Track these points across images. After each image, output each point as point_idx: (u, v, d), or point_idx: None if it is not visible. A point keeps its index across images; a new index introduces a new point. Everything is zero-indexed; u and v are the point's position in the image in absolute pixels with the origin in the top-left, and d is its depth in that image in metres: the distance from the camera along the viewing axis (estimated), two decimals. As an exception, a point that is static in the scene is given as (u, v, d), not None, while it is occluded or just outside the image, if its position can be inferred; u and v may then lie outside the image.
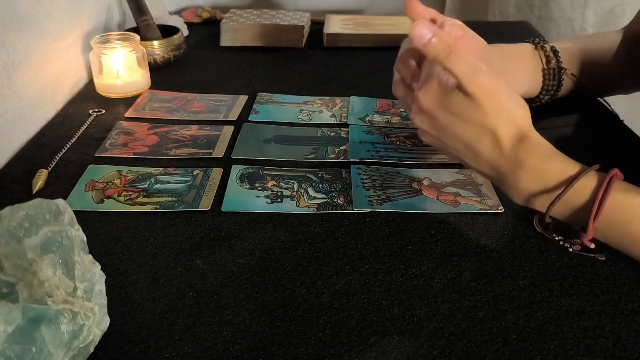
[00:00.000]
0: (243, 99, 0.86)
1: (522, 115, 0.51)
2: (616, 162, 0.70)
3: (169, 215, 0.60)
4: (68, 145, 0.72)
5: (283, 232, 0.58)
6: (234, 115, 0.81)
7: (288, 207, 0.61)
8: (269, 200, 0.62)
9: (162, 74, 0.93)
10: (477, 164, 0.54)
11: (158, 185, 0.65)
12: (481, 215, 0.60)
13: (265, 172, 0.67)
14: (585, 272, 0.52)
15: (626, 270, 0.52)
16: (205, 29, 1.16)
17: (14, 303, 0.39)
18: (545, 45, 0.74)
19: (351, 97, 0.86)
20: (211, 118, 0.80)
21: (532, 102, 0.77)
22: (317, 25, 1.16)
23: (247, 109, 0.83)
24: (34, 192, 0.63)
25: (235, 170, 0.67)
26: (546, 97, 0.76)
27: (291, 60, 1.03)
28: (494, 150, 0.51)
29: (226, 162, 0.69)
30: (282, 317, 0.48)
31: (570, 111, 0.80)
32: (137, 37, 0.88)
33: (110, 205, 0.61)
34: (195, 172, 0.67)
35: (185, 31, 1.10)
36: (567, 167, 0.50)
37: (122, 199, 0.62)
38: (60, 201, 0.44)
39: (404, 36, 1.13)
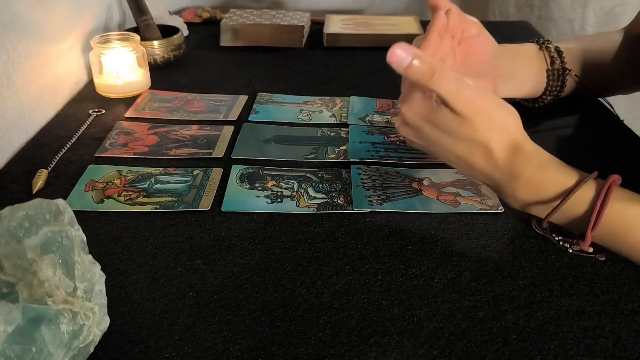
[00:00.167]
0: (243, 99, 0.86)
1: (515, 125, 0.49)
2: (616, 162, 0.70)
3: (169, 215, 0.60)
4: (68, 145, 0.72)
5: (283, 232, 0.58)
6: (234, 115, 0.81)
7: (288, 207, 0.61)
8: (269, 200, 0.62)
9: (162, 74, 0.93)
10: (471, 173, 0.53)
11: (158, 185, 0.65)
12: (481, 215, 0.60)
13: (265, 172, 0.67)
14: (585, 272, 0.52)
15: (626, 270, 0.52)
16: (205, 29, 1.16)
17: (14, 303, 0.39)
18: (550, 45, 0.74)
19: (351, 97, 0.86)
20: (211, 118, 0.80)
21: (534, 103, 0.77)
22: (317, 25, 1.16)
23: (247, 109, 0.83)
24: (34, 192, 0.63)
25: (235, 170, 0.67)
26: (549, 98, 0.76)
27: (291, 60, 1.03)
28: (488, 163, 0.49)
29: (226, 162, 0.69)
30: (282, 317, 0.48)
31: (570, 111, 0.80)
32: (137, 37, 0.88)
33: (110, 205, 0.61)
34: (195, 172, 0.67)
35: (185, 31, 1.10)
36: (564, 177, 0.49)
37: (122, 199, 0.62)
38: (60, 201, 0.44)
39: (403, 36, 1.13)
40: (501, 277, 0.52)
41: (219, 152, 0.71)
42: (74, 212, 0.45)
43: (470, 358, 0.44)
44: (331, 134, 0.76)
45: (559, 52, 0.73)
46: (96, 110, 0.81)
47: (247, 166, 0.68)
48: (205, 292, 0.50)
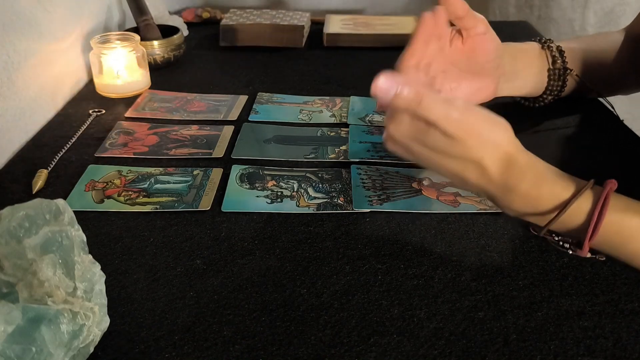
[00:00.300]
0: (243, 99, 0.86)
1: (507, 139, 0.47)
2: (616, 162, 0.70)
3: (169, 215, 0.60)
4: (68, 145, 0.72)
5: (283, 232, 0.58)
6: (234, 115, 0.81)
7: (288, 207, 0.61)
8: (269, 200, 0.62)
9: (162, 74, 0.93)
10: (465, 187, 0.51)
11: (158, 185, 0.65)
12: (481, 215, 0.60)
13: (265, 172, 0.67)
14: (585, 272, 0.52)
15: (626, 270, 0.52)
16: (205, 29, 1.16)
17: (14, 303, 0.39)
18: (552, 45, 0.73)
19: (351, 97, 0.86)
20: (211, 118, 0.80)
21: (535, 102, 0.77)
22: (317, 25, 1.16)
23: (247, 109, 0.83)
24: (34, 192, 0.63)
25: (235, 170, 0.67)
26: (549, 97, 0.76)
27: (291, 60, 1.03)
28: (482, 179, 0.48)
29: (226, 162, 0.69)
30: (282, 317, 0.48)
31: (570, 111, 0.80)
32: (137, 37, 0.88)
33: (110, 205, 0.61)
34: (195, 172, 0.67)
35: (185, 31, 1.10)
36: (559, 189, 0.47)
37: (122, 199, 0.62)
38: (60, 201, 0.44)
39: (403, 36, 1.13)
40: (501, 277, 0.52)
41: (219, 152, 0.71)
42: (74, 212, 0.45)
43: (470, 358, 0.44)
44: (331, 134, 0.76)
45: (561, 51, 0.73)
46: (96, 110, 0.81)
47: (247, 166, 0.68)
48: (205, 292, 0.50)
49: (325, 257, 0.54)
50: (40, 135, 0.76)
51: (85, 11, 0.93)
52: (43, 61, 0.80)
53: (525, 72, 0.72)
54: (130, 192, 0.63)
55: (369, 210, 0.61)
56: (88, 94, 0.87)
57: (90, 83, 0.89)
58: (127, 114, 0.81)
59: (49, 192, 0.64)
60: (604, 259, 0.53)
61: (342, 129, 0.77)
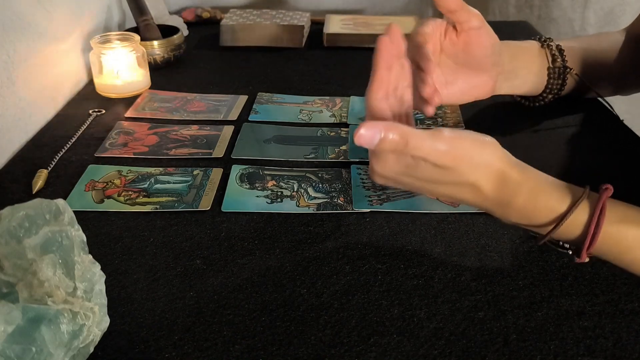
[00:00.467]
0: (243, 99, 0.86)
1: (498, 157, 0.47)
2: (616, 162, 0.70)
3: (169, 215, 0.60)
4: (68, 145, 0.72)
5: (283, 232, 0.58)
6: (234, 115, 0.81)
7: (288, 207, 0.61)
8: (269, 200, 0.62)
9: (162, 74, 0.93)
10: (461, 204, 0.51)
11: (158, 185, 0.65)
12: (481, 215, 0.60)
13: (265, 172, 0.67)
14: (585, 272, 0.52)
15: (626, 270, 0.52)
16: (205, 29, 1.16)
17: (14, 303, 0.39)
18: (551, 43, 0.73)
19: (351, 97, 0.86)
20: (211, 118, 0.80)
21: (535, 101, 0.77)
22: (317, 25, 1.16)
23: (247, 109, 0.83)
24: (34, 192, 0.63)
25: (235, 170, 0.67)
26: (549, 97, 0.75)
27: (291, 60, 1.03)
28: (477, 198, 0.47)
29: (226, 162, 0.69)
30: (282, 317, 0.48)
31: (570, 111, 0.80)
32: (137, 37, 0.88)
33: (110, 205, 0.61)
34: (195, 172, 0.67)
35: (185, 31, 1.10)
36: (554, 203, 0.47)
37: (122, 199, 0.62)
38: (60, 201, 0.44)
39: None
40: (501, 277, 0.52)
41: (219, 152, 0.71)
42: (74, 212, 0.45)
43: (470, 358, 0.44)
44: (331, 134, 0.76)
45: (560, 50, 0.73)
46: (96, 110, 0.81)
47: (247, 166, 0.68)
48: (205, 292, 0.50)
49: (325, 257, 0.54)
50: (40, 135, 0.76)
51: (85, 11, 0.93)
52: (43, 61, 0.80)
53: (524, 71, 0.72)
54: (130, 192, 0.63)
55: (369, 210, 0.61)
56: (88, 94, 0.87)
57: (90, 83, 0.89)
58: (127, 114, 0.81)
59: (49, 192, 0.64)
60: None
61: (342, 129, 0.77)
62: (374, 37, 1.22)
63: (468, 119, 0.80)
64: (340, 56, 1.04)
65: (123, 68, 0.86)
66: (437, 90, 0.52)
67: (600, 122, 0.79)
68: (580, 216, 0.46)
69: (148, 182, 0.65)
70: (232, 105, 0.84)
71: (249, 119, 0.80)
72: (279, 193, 0.63)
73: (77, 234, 0.44)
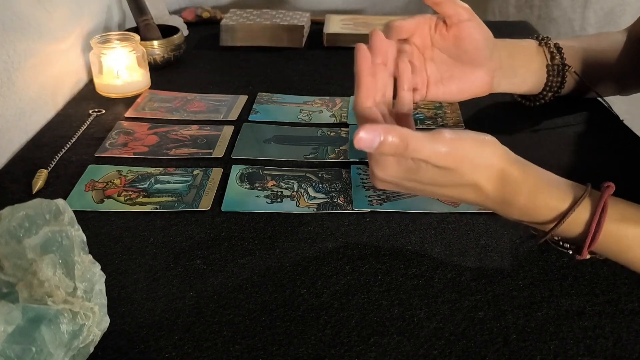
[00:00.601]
0: (243, 99, 0.86)
1: (499, 157, 0.47)
2: (616, 162, 0.70)
3: (169, 215, 0.60)
4: (68, 145, 0.72)
5: (283, 232, 0.58)
6: (234, 115, 0.81)
7: (288, 207, 0.61)
8: (269, 200, 0.62)
9: (162, 74, 0.93)
10: (463, 203, 0.52)
11: (158, 185, 0.65)
12: (481, 215, 0.60)
13: (265, 172, 0.67)
14: (585, 272, 0.52)
15: (626, 270, 0.52)
16: (205, 29, 1.16)
17: (14, 303, 0.39)
18: (549, 42, 0.74)
19: (351, 97, 0.86)
20: (211, 118, 0.80)
21: (535, 100, 0.77)
22: (317, 25, 1.16)
23: (247, 109, 0.83)
24: (34, 192, 0.63)
25: (235, 170, 0.67)
26: (549, 95, 0.75)
27: (291, 60, 1.03)
28: (479, 197, 0.47)
29: (226, 162, 0.69)
30: (282, 317, 0.48)
31: (570, 111, 0.80)
32: (137, 37, 0.88)
33: (110, 205, 0.61)
34: (195, 172, 0.67)
35: (185, 31, 1.10)
36: (555, 201, 0.47)
37: (122, 199, 0.62)
38: (60, 201, 0.44)
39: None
40: (501, 277, 0.52)
41: (219, 152, 0.71)
42: (74, 212, 0.45)
43: (470, 358, 0.44)
44: (331, 134, 0.76)
45: (558, 48, 0.73)
46: (96, 110, 0.81)
47: (247, 166, 0.68)
48: (205, 292, 0.50)
49: (325, 257, 0.54)
50: (40, 135, 0.76)
51: (85, 11, 0.93)
52: (43, 61, 0.80)
53: (523, 69, 0.72)
54: (130, 192, 0.63)
55: (369, 210, 0.61)
56: (88, 94, 0.87)
57: (90, 83, 0.89)
58: (127, 114, 0.81)
59: (49, 192, 0.64)
60: (604, 257, 0.53)
61: (342, 129, 0.77)
62: (374, 37, 1.20)
63: (468, 119, 0.80)
64: (340, 56, 1.04)
65: (123, 68, 0.86)
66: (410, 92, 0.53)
67: (600, 122, 0.79)
68: (582, 214, 0.46)
69: (148, 182, 0.65)
70: (232, 105, 0.84)
71: (249, 119, 0.80)
72: (279, 193, 0.63)
73: (77, 234, 0.44)
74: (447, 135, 0.44)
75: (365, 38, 1.16)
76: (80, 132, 0.75)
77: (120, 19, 1.08)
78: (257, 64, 1.00)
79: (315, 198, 0.63)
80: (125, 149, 0.72)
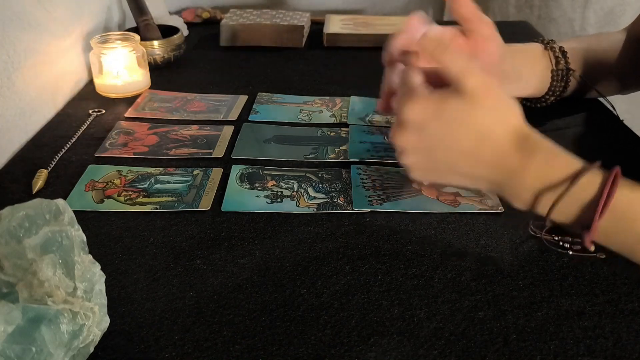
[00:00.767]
0: (243, 99, 0.86)
1: (520, 113, 0.49)
2: (616, 162, 0.70)
3: (169, 215, 0.60)
4: (68, 145, 0.72)
5: (283, 232, 0.58)
6: (234, 115, 0.81)
7: (288, 207, 0.61)
8: (269, 200, 0.62)
9: (162, 74, 0.93)
10: (475, 171, 0.50)
11: (158, 185, 0.65)
12: (481, 215, 0.60)
13: (265, 172, 0.67)
14: (585, 272, 0.52)
15: (626, 270, 0.52)
16: (205, 29, 1.16)
17: (14, 303, 0.39)
18: (554, 45, 0.73)
19: (351, 97, 0.86)
20: (211, 118, 0.80)
21: (537, 103, 0.77)
22: (317, 25, 1.16)
23: (247, 109, 0.83)
24: (34, 192, 0.63)
25: (235, 170, 0.67)
26: (552, 98, 0.75)
27: (291, 60, 1.03)
28: (497, 151, 0.48)
29: (226, 162, 0.69)
30: (282, 317, 0.48)
31: (570, 111, 0.80)
32: (137, 37, 0.88)
33: (110, 205, 0.61)
34: (195, 172, 0.67)
35: (185, 31, 1.10)
36: (572, 161, 0.48)
37: (122, 199, 0.62)
38: (60, 201, 0.44)
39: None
40: (501, 277, 0.52)
41: (219, 152, 0.71)
42: (74, 212, 0.45)
43: (470, 358, 0.44)
44: (331, 134, 0.76)
45: (563, 52, 0.73)
46: (96, 110, 0.81)
47: (247, 166, 0.68)
48: (205, 292, 0.50)
49: (325, 257, 0.54)
50: (40, 135, 0.76)
51: (85, 11, 0.93)
52: (43, 61, 0.80)
53: (528, 73, 0.72)
54: (130, 192, 0.63)
55: (369, 210, 0.61)
56: (88, 94, 0.87)
57: (91, 83, 0.89)
58: (127, 114, 0.81)
59: (49, 192, 0.64)
60: (604, 257, 0.53)
61: (342, 129, 0.77)
62: (374, 37, 1.22)
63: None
64: (340, 56, 1.04)
65: (123, 68, 0.86)
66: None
67: (600, 122, 0.79)
68: (596, 177, 0.47)
69: (148, 182, 0.65)
70: (232, 105, 0.84)
71: (249, 119, 0.80)
72: (279, 193, 0.63)
73: (77, 234, 0.44)
74: (480, 65, 0.46)
75: (365, 38, 1.16)
76: (80, 132, 0.75)
77: (120, 19, 1.08)
78: (257, 64, 1.00)
79: (315, 198, 0.63)
80: (125, 149, 0.72)
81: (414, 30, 0.46)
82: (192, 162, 0.70)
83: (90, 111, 0.81)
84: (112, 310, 0.46)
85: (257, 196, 0.63)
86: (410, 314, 0.48)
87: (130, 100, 0.84)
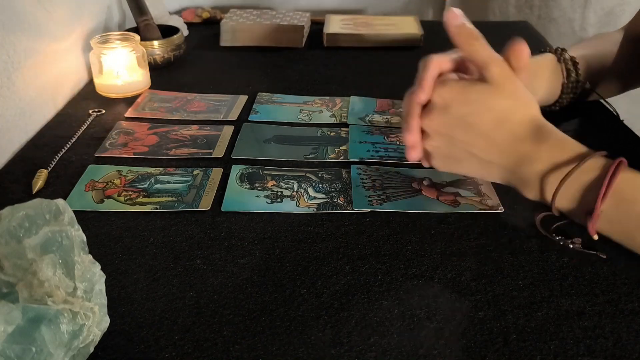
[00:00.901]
0: (243, 99, 0.86)
1: (537, 105, 0.54)
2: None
3: (169, 215, 0.60)
4: (68, 145, 0.72)
5: (283, 232, 0.58)
6: (234, 115, 0.81)
7: (288, 207, 0.61)
8: (269, 200, 0.62)
9: (162, 74, 0.93)
10: (488, 156, 0.53)
11: (158, 185, 0.65)
12: (481, 215, 0.60)
13: (265, 172, 0.67)
14: (585, 272, 0.52)
15: (626, 270, 0.52)
16: (205, 29, 1.16)
17: (14, 303, 0.39)
18: (566, 56, 0.73)
19: (351, 97, 0.86)
20: (211, 118, 0.80)
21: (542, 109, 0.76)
22: (317, 25, 1.16)
23: (247, 109, 0.83)
24: (34, 192, 0.63)
25: (235, 170, 0.67)
26: (557, 108, 0.76)
27: (291, 60, 1.03)
28: (512, 135, 0.52)
29: (226, 162, 0.69)
30: (282, 317, 0.48)
31: (570, 112, 0.80)
32: (137, 37, 0.88)
33: (110, 205, 0.61)
34: (195, 172, 0.67)
35: (185, 31, 1.10)
36: (579, 147, 0.52)
37: (122, 199, 0.62)
38: (60, 201, 0.44)
39: (403, 36, 1.13)
40: (501, 277, 0.52)
41: (219, 152, 0.71)
42: (74, 212, 0.45)
43: (470, 358, 0.44)
44: (331, 134, 0.76)
45: (575, 63, 0.73)
46: (96, 110, 0.81)
47: (247, 166, 0.68)
48: (205, 292, 0.50)
49: (325, 257, 0.54)
50: (40, 135, 0.76)
51: (85, 11, 0.93)
52: (43, 61, 0.80)
53: (541, 88, 0.71)
54: (130, 192, 0.63)
55: (369, 210, 0.61)
56: (88, 94, 0.87)
57: (91, 83, 0.89)
58: (127, 114, 0.81)
59: (49, 192, 0.64)
60: (605, 256, 0.53)
61: (342, 129, 0.77)
62: (374, 37, 1.22)
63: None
64: (340, 56, 1.05)
65: (123, 68, 0.86)
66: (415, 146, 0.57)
67: (600, 122, 0.79)
68: (600, 161, 0.50)
69: (148, 182, 0.65)
70: (232, 105, 0.84)
71: (249, 119, 0.80)
72: (279, 193, 0.63)
73: (77, 234, 0.44)
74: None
75: (365, 38, 1.16)
76: (80, 132, 0.75)
77: (120, 19, 1.09)
78: (257, 64, 1.00)
79: (315, 198, 0.63)
80: (125, 149, 0.72)
81: (455, 18, 0.53)
82: (192, 162, 0.70)
83: (90, 111, 0.81)
84: (112, 310, 0.46)
85: (257, 196, 0.63)
86: (410, 314, 0.48)
87: (130, 100, 0.84)
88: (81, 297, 0.42)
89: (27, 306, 0.39)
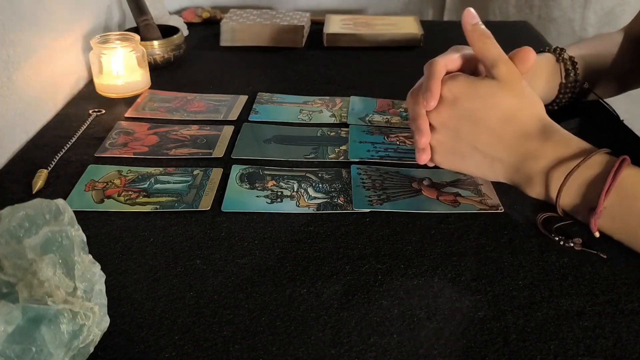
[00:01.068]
0: (243, 99, 0.86)
1: (542, 105, 0.55)
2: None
3: (169, 215, 0.60)
4: (68, 145, 0.72)
5: (283, 232, 0.58)
6: (234, 115, 0.81)
7: (288, 207, 0.61)
8: (269, 200, 0.62)
9: (162, 74, 0.93)
10: (494, 152, 0.54)
11: (158, 185, 0.65)
12: (481, 215, 0.60)
13: (265, 172, 0.67)
14: (585, 272, 0.52)
15: (626, 270, 0.52)
16: (205, 29, 1.16)
17: (14, 303, 0.39)
18: (565, 56, 0.73)
19: (351, 97, 0.86)
20: (211, 118, 0.80)
21: None
22: (317, 25, 1.16)
23: (247, 109, 0.83)
24: (34, 192, 0.63)
25: (235, 170, 0.67)
26: (555, 107, 0.76)
27: (291, 60, 1.03)
28: (519, 133, 0.53)
29: (226, 162, 0.69)
30: (282, 317, 0.48)
31: (570, 112, 0.80)
32: (137, 37, 0.88)
33: (110, 205, 0.61)
34: (195, 172, 0.67)
35: (185, 31, 1.10)
36: (583, 144, 0.53)
37: (122, 199, 0.62)
38: (60, 201, 0.44)
39: (403, 36, 1.13)
40: (501, 277, 0.52)
41: (219, 152, 0.71)
42: (74, 212, 0.45)
43: (470, 358, 0.44)
44: (331, 134, 0.76)
45: (574, 62, 0.73)
46: (96, 110, 0.81)
47: (247, 166, 0.68)
48: (205, 292, 0.50)
49: (325, 257, 0.54)
50: (40, 135, 0.76)
51: (85, 11, 0.93)
52: (43, 61, 0.80)
53: (539, 88, 0.71)
54: (130, 192, 0.63)
55: (369, 210, 0.61)
56: (88, 94, 0.87)
57: (90, 83, 0.89)
58: (127, 114, 0.81)
59: (49, 192, 0.64)
60: (606, 256, 0.53)
61: (342, 129, 0.77)
62: (374, 37, 1.22)
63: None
64: (340, 56, 1.05)
65: (123, 68, 0.86)
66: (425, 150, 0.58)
67: (600, 122, 0.79)
68: (603, 157, 0.51)
69: (148, 182, 0.65)
70: (232, 105, 0.84)
71: (249, 119, 0.80)
72: (279, 193, 0.63)
73: (77, 234, 0.44)
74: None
75: (365, 38, 1.16)
76: (80, 132, 0.75)
77: (120, 19, 1.09)
78: (257, 64, 1.00)
79: (315, 198, 0.63)
80: (125, 149, 0.72)
81: (471, 18, 0.55)
82: (192, 162, 0.70)
83: (90, 111, 0.81)
84: (112, 310, 0.46)
85: (257, 196, 0.63)
86: (410, 314, 0.48)
87: (130, 100, 0.84)
88: (81, 297, 0.42)
89: (27, 306, 0.39)
